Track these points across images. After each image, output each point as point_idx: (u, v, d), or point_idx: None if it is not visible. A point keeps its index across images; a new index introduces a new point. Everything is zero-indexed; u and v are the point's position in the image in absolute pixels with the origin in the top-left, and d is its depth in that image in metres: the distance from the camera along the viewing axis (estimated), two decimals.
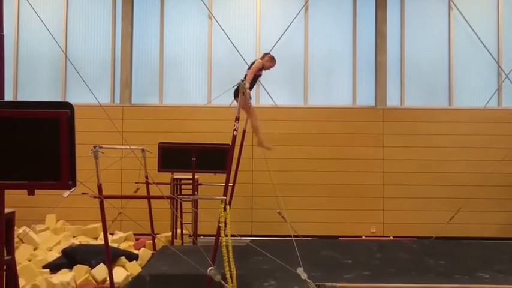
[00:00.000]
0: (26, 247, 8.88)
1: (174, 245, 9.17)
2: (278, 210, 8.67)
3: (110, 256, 6.60)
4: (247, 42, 12.04)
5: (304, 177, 11.57)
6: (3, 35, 4.02)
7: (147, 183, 8.73)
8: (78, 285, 7.26)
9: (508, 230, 11.36)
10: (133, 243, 9.81)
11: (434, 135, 11.69)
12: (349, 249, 8.46)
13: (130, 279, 7.16)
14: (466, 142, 11.65)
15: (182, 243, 9.75)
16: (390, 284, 6.06)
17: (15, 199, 4.81)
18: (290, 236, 5.98)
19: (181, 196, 8.98)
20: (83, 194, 5.93)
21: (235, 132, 5.99)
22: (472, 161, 11.58)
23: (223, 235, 5.59)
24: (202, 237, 9.67)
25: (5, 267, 4.01)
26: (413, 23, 12.12)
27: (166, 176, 9.47)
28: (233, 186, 7.19)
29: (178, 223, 9.67)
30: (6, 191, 3.71)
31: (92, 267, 7.67)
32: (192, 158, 8.31)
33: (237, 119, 6.00)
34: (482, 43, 11.97)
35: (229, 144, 6.31)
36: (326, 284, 4.91)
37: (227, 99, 9.28)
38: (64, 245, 9.03)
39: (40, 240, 9.46)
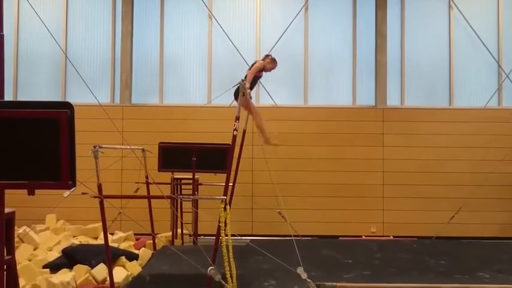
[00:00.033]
0: (26, 247, 8.88)
1: (174, 245, 9.18)
2: (278, 210, 8.66)
3: (110, 256, 6.59)
4: (247, 42, 12.04)
5: (304, 177, 11.56)
6: (3, 35, 4.01)
7: (147, 183, 8.73)
8: (78, 285, 7.27)
9: (508, 229, 11.36)
10: (133, 243, 9.82)
11: (435, 135, 11.69)
12: (349, 249, 8.46)
13: (130, 279, 7.16)
14: (466, 142, 11.65)
15: (182, 243, 9.76)
16: (390, 283, 6.05)
17: (15, 199, 4.81)
18: (290, 236, 5.99)
19: (181, 196, 8.98)
20: (83, 194, 5.93)
21: (235, 132, 5.98)
22: (472, 161, 11.58)
23: (224, 235, 5.59)
24: (202, 237, 9.68)
25: (5, 267, 4.01)
26: (413, 23, 12.12)
27: (167, 176, 9.48)
28: (233, 186, 7.20)
29: (179, 223, 9.67)
30: (6, 191, 3.71)
31: (92, 267, 7.67)
32: (192, 158, 8.32)
33: (237, 118, 6.00)
34: (483, 43, 11.97)
35: (229, 144, 6.30)
36: (326, 283, 4.90)
37: (227, 99, 9.27)
38: (64, 244, 9.03)
39: (40, 240, 9.46)
